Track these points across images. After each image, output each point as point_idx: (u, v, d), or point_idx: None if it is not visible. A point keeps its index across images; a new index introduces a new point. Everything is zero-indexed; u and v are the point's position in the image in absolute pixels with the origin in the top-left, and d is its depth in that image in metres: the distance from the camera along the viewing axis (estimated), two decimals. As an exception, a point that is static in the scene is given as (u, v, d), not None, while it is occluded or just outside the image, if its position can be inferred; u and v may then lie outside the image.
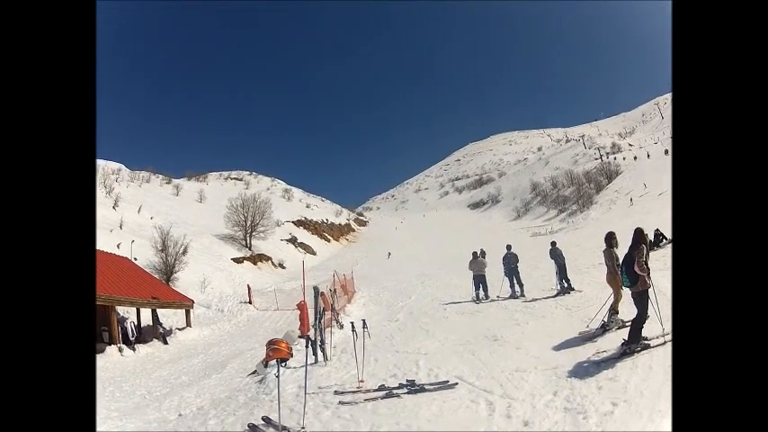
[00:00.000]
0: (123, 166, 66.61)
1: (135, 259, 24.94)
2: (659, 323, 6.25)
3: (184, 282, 26.44)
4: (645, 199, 42.92)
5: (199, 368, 12.71)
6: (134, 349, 15.38)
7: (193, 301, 20.81)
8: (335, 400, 6.39)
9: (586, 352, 6.54)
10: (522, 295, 12.68)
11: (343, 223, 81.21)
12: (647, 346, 6.10)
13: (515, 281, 13.12)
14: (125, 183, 56.10)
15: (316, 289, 9.86)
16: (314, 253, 51.53)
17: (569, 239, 28.18)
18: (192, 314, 20.02)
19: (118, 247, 26.95)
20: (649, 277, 6.19)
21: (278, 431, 5.55)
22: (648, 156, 64.16)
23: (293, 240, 50.98)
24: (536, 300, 11.66)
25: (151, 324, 18.08)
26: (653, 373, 5.36)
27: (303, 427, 5.59)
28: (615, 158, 75.11)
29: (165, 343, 16.78)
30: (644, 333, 6.18)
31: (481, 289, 13.50)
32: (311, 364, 7.76)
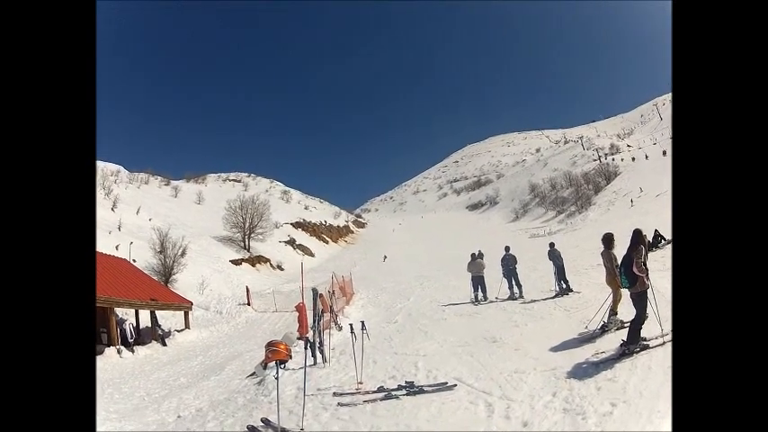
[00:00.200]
0: (122, 168, 66.57)
1: (134, 261, 24.90)
2: (658, 324, 6.26)
3: (183, 283, 26.39)
4: (643, 200, 43.01)
5: (197, 370, 12.69)
6: (133, 351, 15.35)
7: (192, 303, 20.76)
8: (334, 401, 6.39)
9: (585, 353, 6.54)
10: (521, 296, 12.70)
11: (341, 225, 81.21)
12: (646, 347, 6.11)
13: (514, 282, 13.14)
14: (124, 184, 56.02)
15: (314, 291, 9.85)
16: (312, 255, 51.50)
17: (568, 241, 28.20)
18: (190, 316, 19.98)
19: (116, 248, 26.89)
20: (648, 278, 6.20)
21: (277, 433, 5.55)
22: (647, 157, 64.28)
23: (292, 242, 50.95)
24: (535, 301, 11.67)
25: (150, 326, 18.04)
26: (652, 373, 5.36)
27: (302, 429, 5.59)
28: (614, 159, 75.18)
29: (164, 345, 16.75)
30: (643, 334, 6.18)
31: (480, 290, 13.51)
32: (310, 365, 7.75)
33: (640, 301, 6.16)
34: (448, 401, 5.73)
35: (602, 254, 7.99)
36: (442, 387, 6.21)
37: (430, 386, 6.32)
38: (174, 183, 70.86)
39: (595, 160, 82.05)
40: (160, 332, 17.51)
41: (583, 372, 5.84)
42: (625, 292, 6.76)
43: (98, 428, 6.24)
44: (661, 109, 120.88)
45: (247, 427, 5.97)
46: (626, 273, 6.29)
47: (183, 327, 19.30)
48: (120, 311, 16.85)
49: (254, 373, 9.31)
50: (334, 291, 15.75)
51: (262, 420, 6.09)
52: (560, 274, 12.12)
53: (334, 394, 6.70)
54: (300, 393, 6.41)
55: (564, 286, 11.85)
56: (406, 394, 6.17)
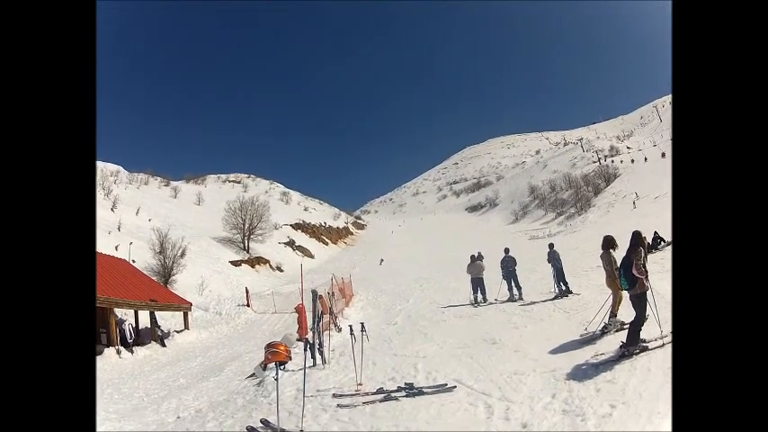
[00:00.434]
0: (122, 168, 66.61)
1: (133, 261, 24.88)
2: (657, 325, 6.27)
3: (182, 284, 26.39)
4: (642, 202, 43.01)
5: (197, 371, 12.68)
6: (132, 351, 15.33)
7: (191, 304, 20.75)
8: (334, 403, 6.38)
9: (585, 354, 6.55)
10: (521, 298, 12.68)
11: (341, 226, 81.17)
12: (646, 349, 6.11)
13: (513, 284, 13.13)
14: (123, 185, 56.10)
15: (314, 292, 9.85)
16: (312, 256, 51.48)
17: (567, 242, 28.18)
18: (189, 317, 19.98)
19: (116, 248, 26.90)
20: (647, 280, 6.20)
21: (276, 434, 5.55)
22: (646, 159, 64.32)
23: (291, 243, 50.94)
24: (534, 303, 11.66)
25: (149, 326, 18.01)
26: (651, 375, 5.36)
27: (302, 430, 5.58)
28: (613, 161, 75.22)
29: (163, 345, 16.74)
30: (642, 335, 6.19)
31: (479, 292, 13.50)
32: (310, 367, 7.76)
33: (640, 302, 6.17)
34: (447, 403, 5.73)
35: (601, 256, 8.00)
36: (442, 388, 6.20)
37: (429, 388, 6.32)
38: (173, 183, 70.91)
39: (595, 162, 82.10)
40: (159, 333, 17.49)
41: (582, 373, 5.84)
42: (625, 294, 6.77)
43: (98, 428, 6.23)
44: (661, 111, 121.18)
45: (247, 428, 5.96)
46: (625, 275, 6.30)
47: (183, 327, 19.29)
48: (119, 312, 16.85)
49: (254, 374, 9.30)
50: (333, 292, 15.75)
51: (261, 421, 6.08)
52: (559, 275, 12.12)
53: (334, 395, 6.70)
54: (300, 394, 6.41)
55: (563, 288, 11.84)
56: (406, 396, 6.17)
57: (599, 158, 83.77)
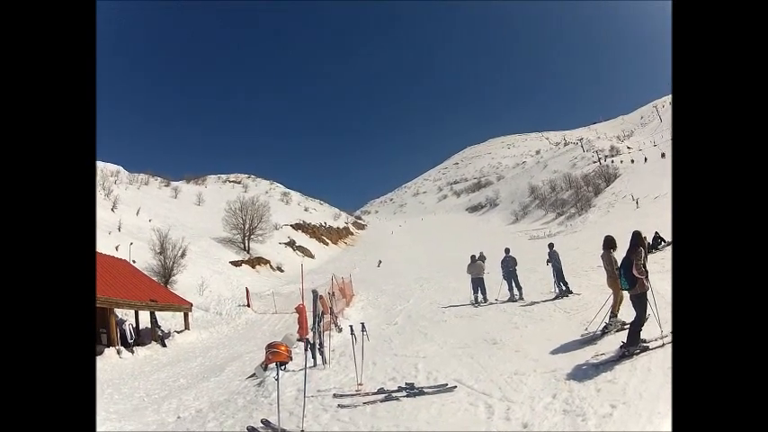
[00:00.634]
0: (122, 169, 66.56)
1: (133, 261, 24.88)
2: (658, 326, 6.27)
3: (183, 284, 26.40)
4: (643, 202, 42.98)
5: (197, 371, 12.67)
6: (132, 352, 15.33)
7: (192, 304, 20.75)
8: (335, 403, 6.39)
9: (585, 355, 6.55)
10: (521, 298, 12.69)
11: (341, 227, 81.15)
12: (646, 349, 6.11)
13: (514, 284, 13.13)
14: (124, 185, 56.05)
15: (314, 292, 9.86)
16: (312, 256, 51.47)
17: (568, 242, 28.19)
18: (190, 317, 19.97)
19: (116, 249, 26.91)
20: (648, 280, 6.20)
21: (277, 434, 5.55)
22: (646, 160, 64.30)
23: (291, 244, 50.93)
24: (535, 303, 11.66)
25: (149, 327, 18.02)
26: (652, 375, 5.36)
27: (302, 430, 5.58)
28: (613, 161, 75.19)
29: (164, 345, 16.73)
30: (643, 335, 6.19)
31: (480, 292, 13.50)
32: (310, 367, 7.75)
33: (640, 302, 6.17)
34: (448, 403, 5.73)
35: (602, 256, 7.99)
36: (443, 389, 6.21)
37: (430, 388, 6.32)
38: (173, 184, 70.88)
39: (595, 162, 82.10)
40: (160, 333, 17.48)
41: (583, 373, 5.84)
42: (625, 294, 6.77)
43: (98, 429, 6.23)
44: (661, 111, 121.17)
45: (247, 429, 5.96)
46: (626, 275, 6.30)
47: (183, 328, 19.28)
48: (119, 312, 16.85)
49: (254, 374, 9.31)
50: (333, 292, 15.75)
51: (262, 422, 6.09)
52: (559, 276, 12.11)
53: (335, 396, 6.70)
54: (300, 395, 6.41)
55: (563, 288, 11.84)
56: (407, 396, 6.17)
57: (599, 158, 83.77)
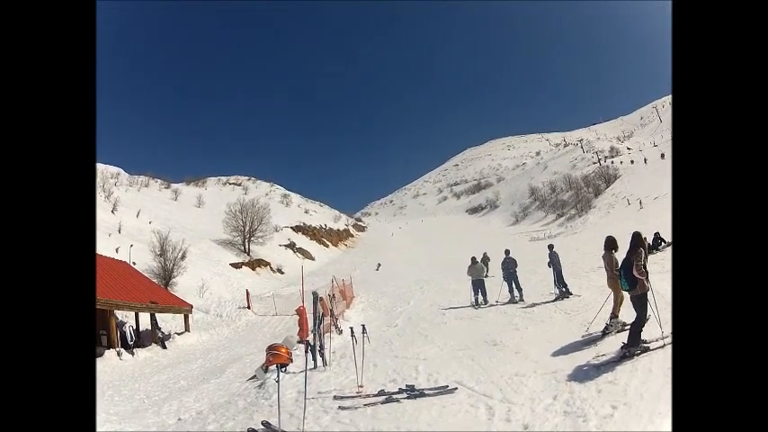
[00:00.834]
0: (122, 171, 66.61)
1: (133, 263, 24.87)
2: (658, 326, 6.26)
3: (183, 286, 26.39)
4: (643, 203, 42.97)
5: (198, 373, 12.66)
6: (133, 353, 15.32)
7: (192, 306, 20.74)
8: (335, 404, 6.37)
9: (586, 356, 6.54)
10: (521, 300, 12.68)
11: (341, 229, 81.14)
12: (647, 349, 6.10)
13: (514, 285, 13.12)
14: (124, 187, 56.09)
15: (315, 294, 9.84)
16: (312, 258, 51.43)
17: (568, 244, 28.18)
18: (190, 319, 19.95)
19: (116, 251, 26.92)
20: (648, 281, 6.20)
21: (277, 436, 5.54)
22: (645, 161, 64.27)
23: (292, 246, 50.90)
24: (535, 304, 11.65)
25: (150, 328, 18.03)
26: (652, 375, 5.36)
27: (302, 432, 5.58)
28: (613, 162, 75.15)
29: (164, 347, 16.72)
30: (643, 336, 6.18)
31: (480, 294, 13.49)
32: (311, 369, 7.75)
33: (641, 303, 6.17)
34: (449, 405, 5.72)
35: (603, 256, 7.99)
36: (443, 390, 6.20)
37: (431, 389, 6.31)
38: (174, 186, 71.00)
39: (595, 163, 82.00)
40: (160, 335, 17.49)
41: (583, 374, 5.83)
42: (626, 295, 6.77)
43: (98, 430, 6.23)
44: (661, 111, 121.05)
45: (248, 430, 5.95)
46: (626, 275, 6.31)
47: (183, 330, 19.27)
48: (120, 314, 16.86)
49: (255, 376, 9.31)
50: (334, 294, 15.73)
51: (262, 423, 6.08)
52: (558, 277, 12.10)
53: (335, 397, 6.69)
54: (301, 396, 6.40)
55: (563, 290, 11.82)
56: (407, 397, 6.16)
57: (599, 159, 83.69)
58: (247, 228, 43.25)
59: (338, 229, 78.32)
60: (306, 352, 8.01)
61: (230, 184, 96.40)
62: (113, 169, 62.82)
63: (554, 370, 6.17)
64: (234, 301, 25.31)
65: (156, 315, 18.43)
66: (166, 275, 26.70)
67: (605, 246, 7.88)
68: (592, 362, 6.22)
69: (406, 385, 6.62)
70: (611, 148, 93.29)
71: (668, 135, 67.36)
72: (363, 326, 8.38)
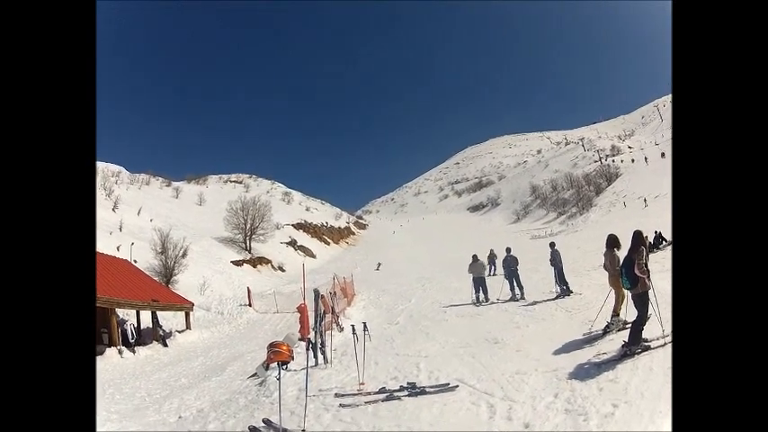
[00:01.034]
0: (123, 169, 66.73)
1: (135, 261, 24.92)
2: (659, 325, 6.25)
3: (184, 284, 26.43)
4: (643, 201, 42.97)
5: (199, 371, 12.68)
6: (134, 351, 15.36)
7: (193, 304, 20.77)
8: (336, 402, 6.38)
9: (587, 354, 6.53)
10: (522, 298, 12.68)
11: (342, 226, 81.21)
12: (648, 348, 6.10)
13: (515, 283, 13.12)
14: (125, 185, 56.19)
15: (316, 292, 9.85)
16: (314, 256, 51.48)
17: (569, 242, 28.17)
18: (191, 317, 19.98)
19: (117, 249, 26.97)
20: (649, 279, 6.20)
21: (278, 433, 5.54)
22: (646, 160, 64.21)
23: (293, 243, 50.94)
24: (536, 302, 11.65)
25: (151, 326, 18.07)
26: (653, 374, 5.35)
27: (304, 430, 5.58)
28: (614, 161, 75.11)
29: (165, 345, 16.74)
30: (644, 335, 6.17)
31: (481, 292, 13.50)
32: (312, 366, 7.75)
33: (642, 302, 6.16)
34: (450, 402, 5.72)
35: (604, 254, 7.98)
36: (444, 388, 6.20)
37: (432, 387, 6.31)
38: (175, 184, 71.06)
39: (596, 161, 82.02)
40: (161, 333, 17.50)
41: (585, 373, 5.82)
42: (627, 294, 6.76)
43: (99, 429, 6.24)
44: (662, 110, 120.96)
45: (249, 428, 5.96)
46: (627, 274, 6.30)
47: (185, 327, 19.31)
48: (121, 312, 16.88)
49: (256, 373, 9.32)
50: (335, 292, 15.74)
51: (263, 421, 6.08)
52: (559, 275, 12.09)
53: (336, 395, 6.69)
54: (302, 394, 6.41)
55: (564, 288, 11.82)
56: (408, 395, 6.16)
57: (600, 158, 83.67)
58: (248, 225, 43.30)
59: (339, 227, 78.39)
60: (307, 349, 8.00)
61: (231, 182, 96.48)
62: (114, 168, 62.97)
63: (555, 368, 6.17)
64: (235, 298, 25.33)
65: (158, 313, 18.47)
66: (167, 273, 26.74)
67: (607, 244, 7.87)
68: (593, 360, 6.21)
69: (408, 383, 6.61)
70: (613, 147, 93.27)
71: (669, 134, 67.22)
72: (365, 323, 8.38)
